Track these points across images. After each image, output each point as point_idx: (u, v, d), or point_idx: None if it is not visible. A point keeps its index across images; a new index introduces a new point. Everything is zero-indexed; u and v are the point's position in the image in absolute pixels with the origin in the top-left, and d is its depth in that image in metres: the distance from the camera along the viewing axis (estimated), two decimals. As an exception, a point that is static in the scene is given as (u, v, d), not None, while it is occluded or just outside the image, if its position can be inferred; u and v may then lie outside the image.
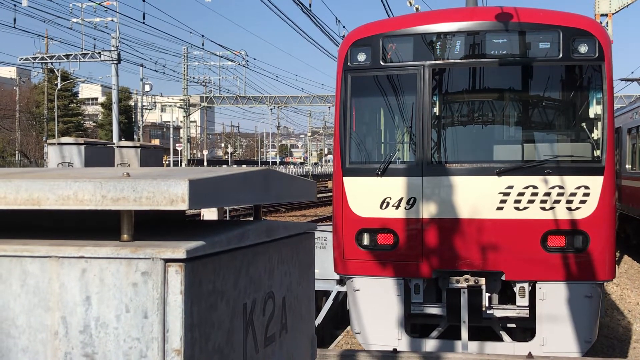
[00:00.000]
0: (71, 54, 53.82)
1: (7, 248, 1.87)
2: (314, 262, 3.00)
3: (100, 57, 52.18)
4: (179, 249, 1.81)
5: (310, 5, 25.57)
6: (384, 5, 22.70)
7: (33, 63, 56.63)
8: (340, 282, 12.02)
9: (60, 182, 1.84)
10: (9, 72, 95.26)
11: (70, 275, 1.83)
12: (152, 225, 2.32)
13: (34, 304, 1.85)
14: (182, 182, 1.81)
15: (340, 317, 13.82)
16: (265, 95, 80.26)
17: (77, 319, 1.83)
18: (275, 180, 2.53)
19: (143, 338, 1.80)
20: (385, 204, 8.60)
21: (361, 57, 8.85)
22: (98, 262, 1.82)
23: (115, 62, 51.35)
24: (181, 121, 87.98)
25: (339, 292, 12.88)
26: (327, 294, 13.16)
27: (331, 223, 9.42)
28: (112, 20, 52.43)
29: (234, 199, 2.20)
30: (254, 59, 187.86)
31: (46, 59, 56.45)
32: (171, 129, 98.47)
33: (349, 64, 8.88)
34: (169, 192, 1.81)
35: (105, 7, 47.96)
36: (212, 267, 1.97)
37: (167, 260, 1.80)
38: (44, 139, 66.03)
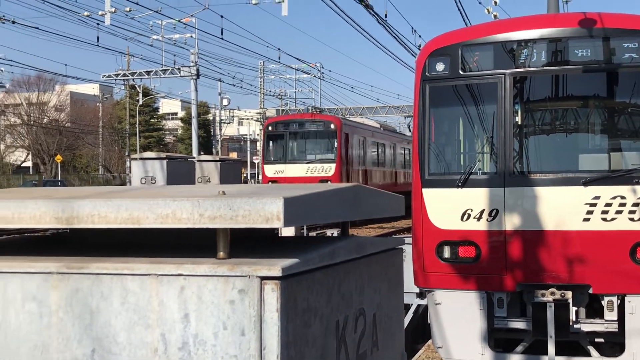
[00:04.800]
0: (152, 70, 55.31)
1: (109, 266, 1.91)
2: (402, 278, 2.97)
3: (179, 72, 53.46)
4: (275, 267, 1.81)
5: (385, 15, 25.45)
6: (461, 14, 22.50)
7: (115, 80, 58.46)
8: (421, 295, 11.89)
9: (159, 201, 1.88)
10: (93, 89, 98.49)
11: (169, 293, 1.86)
12: (244, 242, 2.34)
13: (134, 321, 1.89)
14: (277, 200, 1.82)
15: (420, 330, 13.67)
16: (340, 106, 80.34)
17: (176, 336, 1.86)
18: (365, 196, 2.51)
19: (240, 355, 1.81)
20: (466, 216, 8.47)
21: (439, 66, 8.75)
22: (196, 279, 1.84)
23: (194, 77, 52.51)
24: (258, 134, 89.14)
25: (419, 305, 12.74)
26: (407, 307, 13.05)
27: (410, 235, 9.32)
28: (191, 36, 53.64)
29: (326, 216, 2.21)
30: (330, 70, 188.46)
31: (128, 76, 58.16)
32: (248, 142, 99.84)
33: (427, 74, 8.79)
34: (264, 210, 1.82)
35: (184, 24, 49.03)
36: (306, 284, 1.98)
37: (263, 278, 1.81)
38: (126, 154, 68.05)
